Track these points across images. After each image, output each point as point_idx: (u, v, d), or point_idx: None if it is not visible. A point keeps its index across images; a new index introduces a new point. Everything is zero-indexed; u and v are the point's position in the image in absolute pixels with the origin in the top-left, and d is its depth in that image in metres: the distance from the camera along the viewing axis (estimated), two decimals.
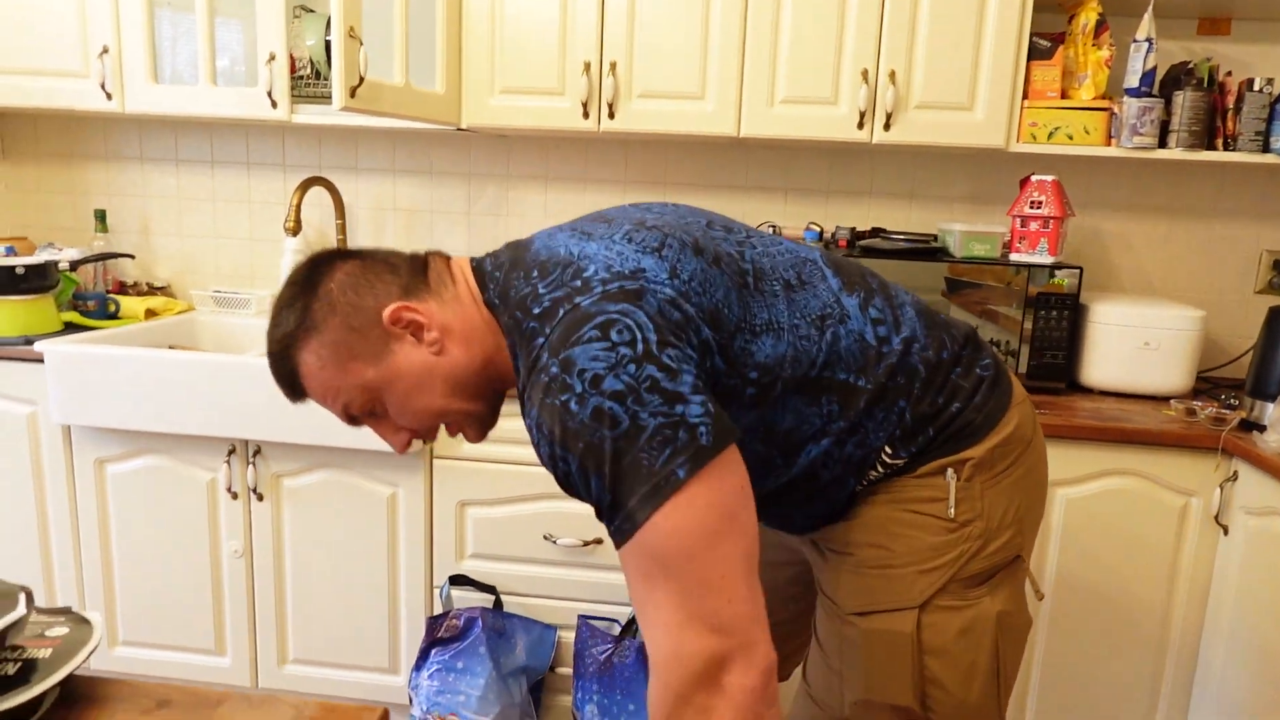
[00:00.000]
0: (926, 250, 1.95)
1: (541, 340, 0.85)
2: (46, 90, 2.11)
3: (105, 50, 2.05)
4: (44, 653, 0.69)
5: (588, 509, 1.83)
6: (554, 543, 1.85)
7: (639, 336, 0.81)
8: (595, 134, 2.05)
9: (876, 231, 2.09)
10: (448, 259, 1.00)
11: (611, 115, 1.96)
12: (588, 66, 1.94)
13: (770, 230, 2.18)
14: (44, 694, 0.67)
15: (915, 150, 2.15)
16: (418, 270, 0.96)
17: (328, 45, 2.03)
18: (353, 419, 0.96)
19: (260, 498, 1.90)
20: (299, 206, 2.11)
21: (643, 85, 1.95)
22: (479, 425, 1.00)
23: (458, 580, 1.87)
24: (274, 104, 2.03)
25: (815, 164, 2.25)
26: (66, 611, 0.77)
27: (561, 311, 0.85)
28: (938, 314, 1.04)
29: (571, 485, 0.84)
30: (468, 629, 1.80)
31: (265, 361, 1.79)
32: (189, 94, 2.07)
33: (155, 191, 2.46)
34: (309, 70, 2.17)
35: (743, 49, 1.92)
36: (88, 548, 1.99)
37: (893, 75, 1.90)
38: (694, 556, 0.79)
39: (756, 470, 0.93)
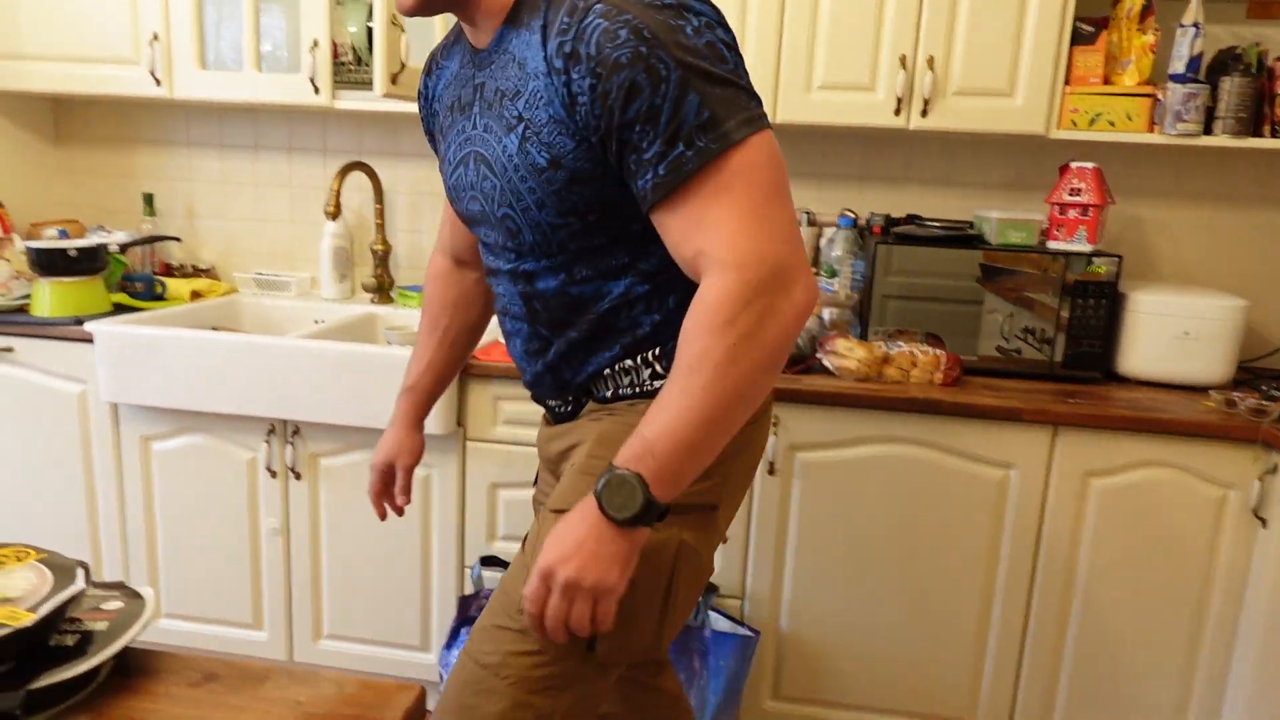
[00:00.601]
0: (963, 238, 1.94)
1: None
2: (99, 77, 2.16)
3: (155, 37, 2.10)
4: (100, 625, 0.73)
5: None
6: None
7: (733, 34, 0.92)
8: None
9: (912, 218, 2.07)
10: None
11: None
12: None
13: (805, 217, 2.18)
14: (100, 665, 0.71)
15: (952, 136, 2.13)
16: None
17: (369, 32, 2.06)
18: None
19: (298, 476, 1.95)
20: (339, 191, 2.15)
21: None
22: None
23: (489, 561, 1.90)
24: (316, 90, 2.06)
25: (850, 150, 2.23)
26: (120, 586, 0.80)
27: None
28: None
29: (657, 94, 0.84)
30: None
31: (305, 343, 1.83)
32: (235, 80, 2.11)
33: (201, 176, 2.51)
34: (350, 56, 2.20)
35: (780, 35, 1.92)
36: (133, 522, 2.06)
37: (931, 61, 1.88)
38: (773, 175, 0.88)
39: (610, 245, 0.98)
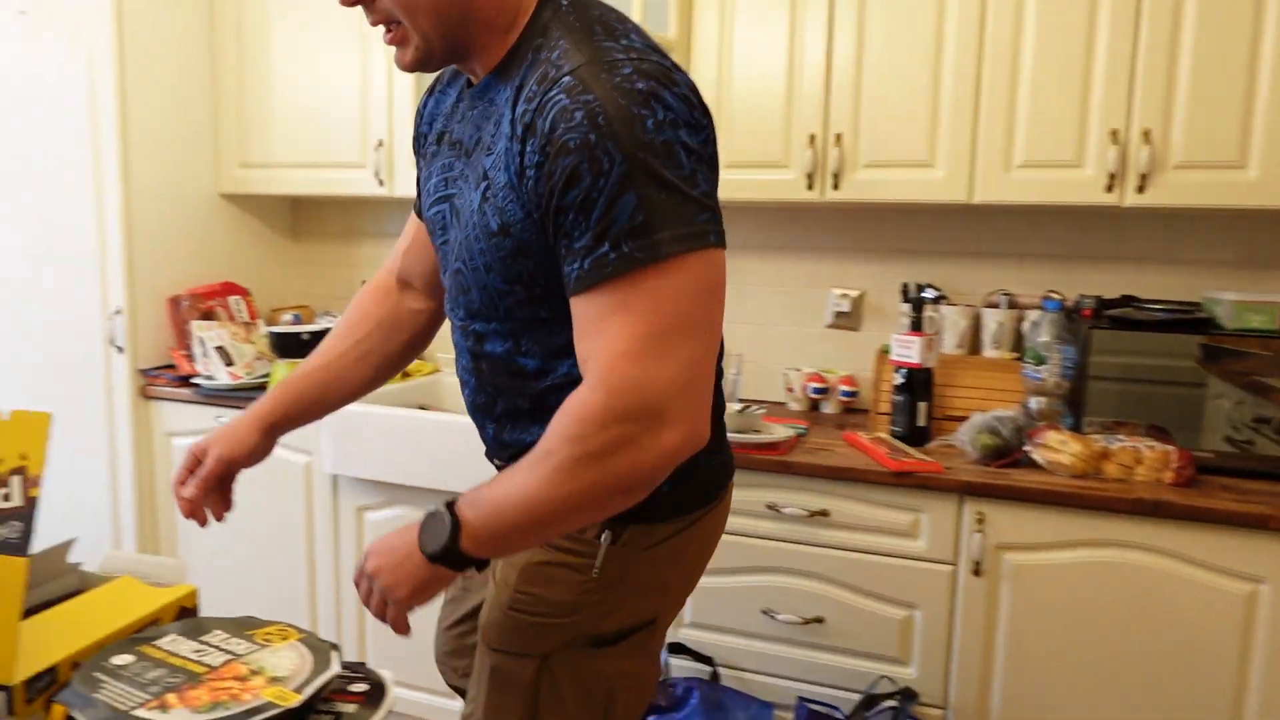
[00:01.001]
0: (1191, 322, 1.78)
1: (623, 57, 0.83)
2: (332, 180, 2.42)
3: (380, 144, 2.33)
4: (350, 708, 0.77)
5: (810, 586, 1.80)
6: (773, 618, 1.82)
7: (711, 135, 0.87)
8: (819, 204, 2.05)
9: (1127, 300, 1.93)
10: None
11: (836, 186, 1.96)
12: (813, 139, 1.96)
13: (1004, 299, 2.08)
14: None
15: (1170, 212, 1.98)
16: None
17: None
18: None
19: None
20: None
21: (869, 155, 1.94)
22: (422, 54, 0.92)
23: (675, 648, 1.88)
24: None
25: (1054, 227, 2.12)
26: (362, 667, 0.85)
27: (656, 58, 0.85)
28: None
29: (595, 187, 0.80)
30: (685, 698, 1.80)
31: None
32: None
33: None
34: None
35: (975, 113, 1.87)
36: (347, 588, 2.20)
37: (1147, 134, 1.77)
38: (690, 303, 0.82)
39: (553, 321, 0.93)
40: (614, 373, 0.82)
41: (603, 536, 0.98)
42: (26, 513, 0.82)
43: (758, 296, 2.36)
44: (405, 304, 1.21)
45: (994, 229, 2.16)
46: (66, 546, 1.03)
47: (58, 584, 1.01)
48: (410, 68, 0.94)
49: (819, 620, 1.80)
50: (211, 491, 1.10)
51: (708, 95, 2.04)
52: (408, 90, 2.29)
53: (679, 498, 1.01)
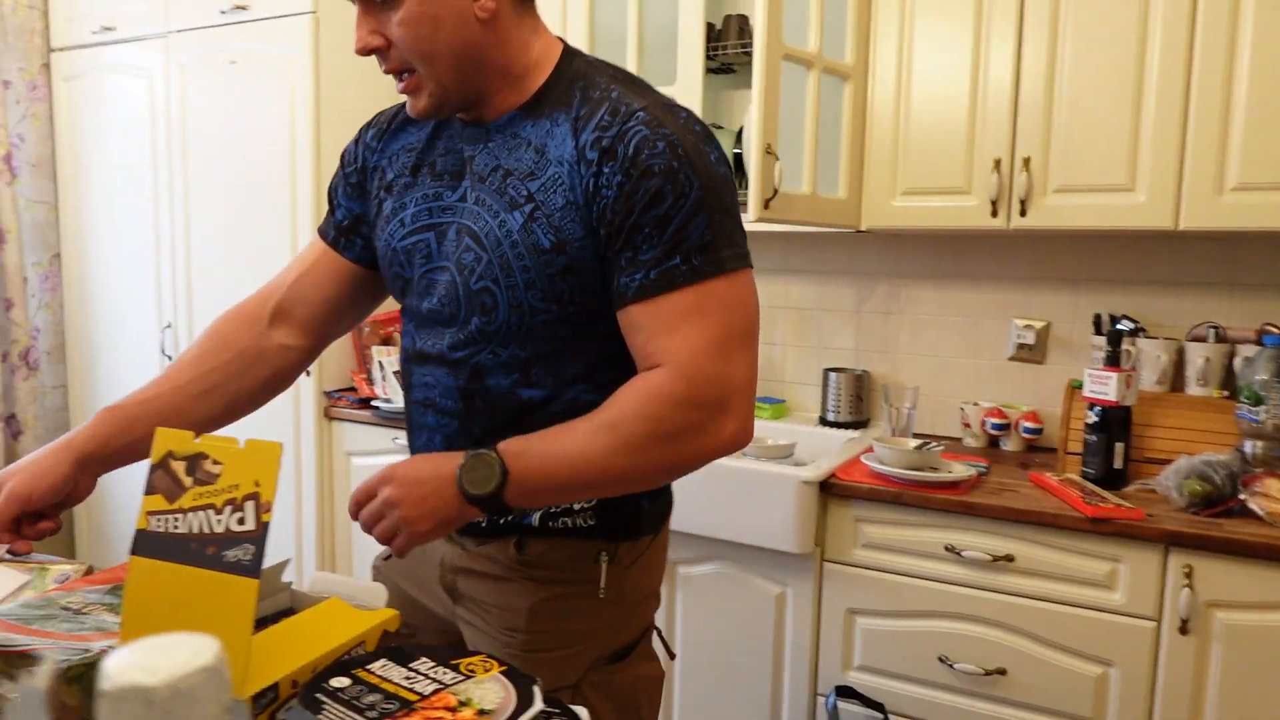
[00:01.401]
0: None
1: (673, 103, 0.96)
2: None
3: None
4: None
5: (992, 634, 1.69)
6: (950, 666, 1.72)
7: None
8: (1004, 231, 1.95)
9: None
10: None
11: (1023, 212, 1.86)
12: (998, 164, 1.87)
13: (1212, 332, 1.90)
14: None
15: None
16: None
17: (736, 156, 2.17)
18: None
19: None
20: None
21: (1060, 179, 1.83)
22: (436, 101, 0.96)
23: (844, 692, 1.81)
24: None
25: (1271, 253, 1.93)
26: (559, 703, 0.86)
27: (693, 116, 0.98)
28: None
29: (674, 207, 0.89)
30: None
31: None
32: None
33: None
34: None
35: (1183, 131, 1.73)
36: None
37: None
38: (747, 313, 0.94)
39: (574, 341, 0.98)
40: (694, 365, 0.90)
41: (601, 558, 1.03)
42: (259, 536, 0.87)
43: (933, 327, 2.26)
44: (274, 337, 1.13)
45: (1199, 256, 1.99)
46: (281, 567, 1.08)
47: (272, 602, 1.08)
48: (423, 115, 0.98)
49: (1001, 672, 1.69)
50: (5, 531, 0.97)
51: (886, 120, 1.99)
52: None
53: (656, 512, 1.08)
